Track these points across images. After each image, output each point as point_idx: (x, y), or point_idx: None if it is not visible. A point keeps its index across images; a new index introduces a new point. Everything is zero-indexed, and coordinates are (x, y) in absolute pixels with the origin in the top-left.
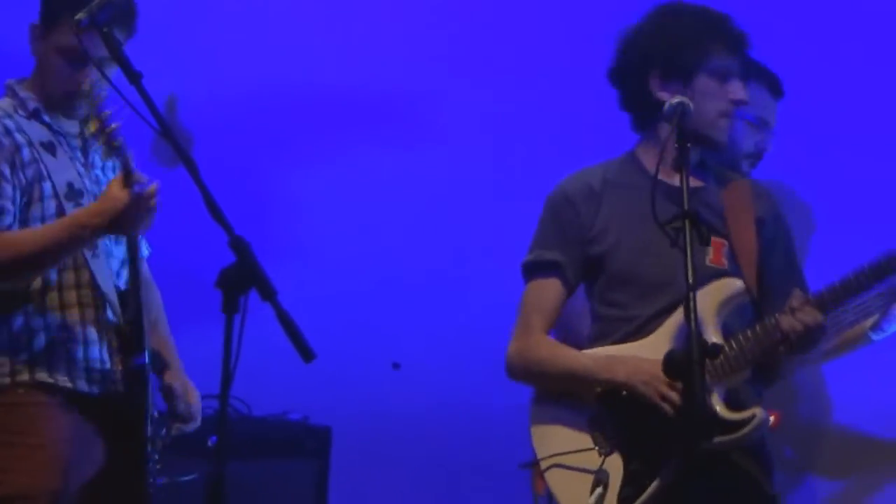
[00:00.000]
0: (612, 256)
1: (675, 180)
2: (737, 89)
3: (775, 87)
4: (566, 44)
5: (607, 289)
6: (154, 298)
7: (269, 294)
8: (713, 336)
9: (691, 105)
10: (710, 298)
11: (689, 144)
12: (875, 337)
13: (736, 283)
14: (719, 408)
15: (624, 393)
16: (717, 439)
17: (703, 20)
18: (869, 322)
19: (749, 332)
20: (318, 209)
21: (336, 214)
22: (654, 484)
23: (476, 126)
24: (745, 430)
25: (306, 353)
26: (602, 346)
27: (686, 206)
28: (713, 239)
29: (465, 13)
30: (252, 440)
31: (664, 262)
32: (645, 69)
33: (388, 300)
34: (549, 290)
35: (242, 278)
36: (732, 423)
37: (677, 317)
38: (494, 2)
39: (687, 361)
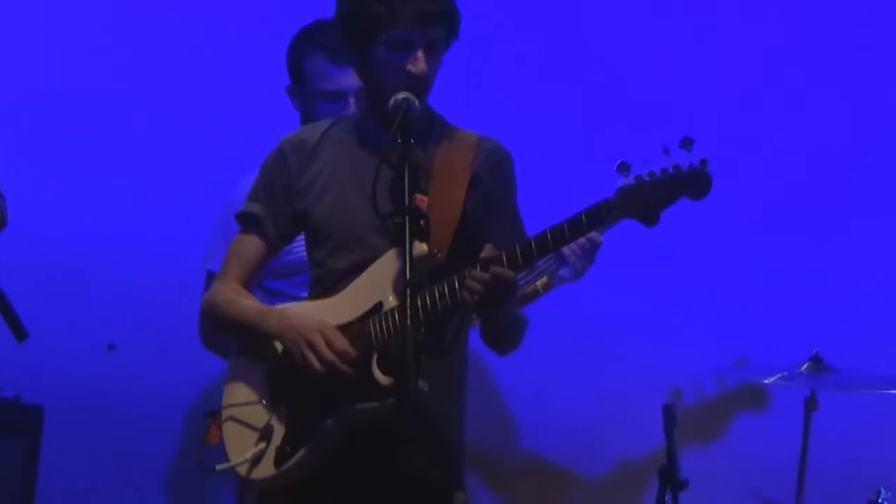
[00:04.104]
0: (312, 211)
1: (382, 131)
2: (415, 60)
3: (336, 52)
4: None
5: (311, 247)
6: None
7: None
8: (392, 299)
9: (416, 100)
10: (392, 262)
11: (412, 140)
12: (544, 293)
13: (419, 248)
14: (377, 371)
15: (277, 345)
16: (360, 405)
17: None
18: (539, 281)
19: (434, 290)
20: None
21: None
22: (309, 444)
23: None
24: (390, 399)
25: (19, 332)
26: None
27: (407, 202)
28: (417, 196)
29: None
30: None
31: (356, 220)
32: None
33: (103, 280)
34: (248, 243)
35: None
36: (387, 389)
37: (365, 278)
38: None
39: (401, 357)
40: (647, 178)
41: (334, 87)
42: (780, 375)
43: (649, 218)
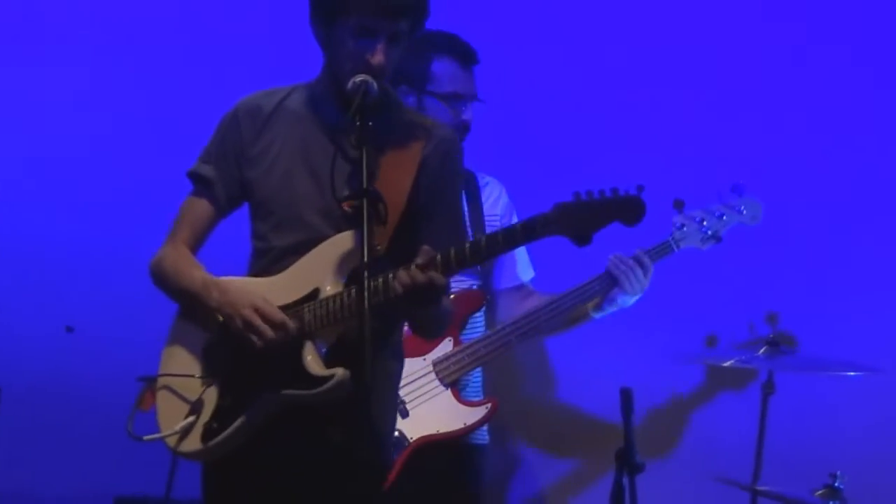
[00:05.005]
0: (259, 184)
1: (337, 110)
2: (375, 52)
3: (465, 58)
4: None
5: (254, 217)
6: None
7: None
8: (330, 287)
9: (375, 83)
10: (333, 250)
11: (370, 123)
12: (596, 315)
13: (355, 237)
14: (310, 358)
15: (220, 318)
16: (288, 391)
17: None
18: (591, 303)
19: (372, 283)
20: None
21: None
22: (236, 423)
23: None
24: (318, 388)
25: None
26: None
27: (365, 185)
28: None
29: None
30: None
31: (301, 200)
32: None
33: (61, 262)
34: (199, 205)
35: None
36: (316, 378)
37: (305, 263)
38: None
39: (359, 339)
40: (586, 198)
41: (460, 89)
42: (738, 358)
43: (581, 238)
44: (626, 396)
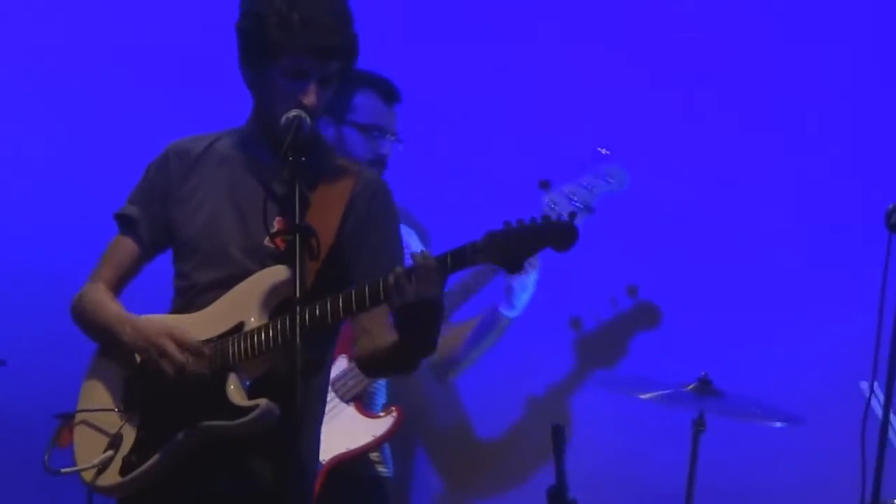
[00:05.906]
0: (184, 223)
1: (267, 152)
2: (307, 93)
3: (388, 94)
4: None
5: (176, 258)
6: None
7: None
8: (255, 319)
9: (308, 119)
10: (258, 284)
11: (304, 158)
12: (509, 314)
13: (281, 272)
14: (233, 387)
15: (135, 354)
16: (209, 422)
17: (285, 16)
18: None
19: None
20: None
21: None
22: (156, 456)
23: None
24: (241, 419)
25: None
26: None
27: (298, 220)
28: (284, 220)
29: None
30: None
31: (225, 237)
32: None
33: None
34: (122, 245)
35: None
36: (239, 408)
37: (230, 297)
38: None
39: (290, 374)
40: (516, 225)
41: (380, 122)
42: (662, 393)
43: (512, 265)
44: (558, 434)
